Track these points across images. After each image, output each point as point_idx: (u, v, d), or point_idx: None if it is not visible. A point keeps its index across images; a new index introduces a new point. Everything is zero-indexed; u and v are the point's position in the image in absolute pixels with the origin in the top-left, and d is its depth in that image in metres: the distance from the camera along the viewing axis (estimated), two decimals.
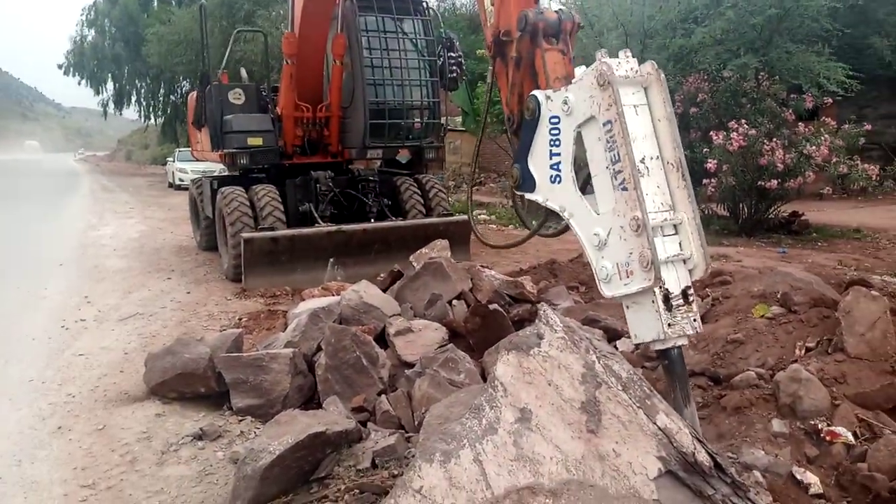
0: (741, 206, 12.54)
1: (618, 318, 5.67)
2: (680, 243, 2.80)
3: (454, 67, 9.73)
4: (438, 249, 7.36)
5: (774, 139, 11.38)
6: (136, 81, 42.76)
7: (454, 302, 6.14)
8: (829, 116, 12.92)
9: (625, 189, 2.71)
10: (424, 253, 7.29)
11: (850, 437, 3.48)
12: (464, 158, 24.82)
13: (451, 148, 24.15)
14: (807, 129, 11.92)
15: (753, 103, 12.69)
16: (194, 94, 11.32)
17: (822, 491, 3.23)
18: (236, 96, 9.68)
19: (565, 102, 3.05)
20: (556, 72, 3.42)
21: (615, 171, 2.76)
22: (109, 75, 43.50)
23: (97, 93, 44.85)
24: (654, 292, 2.67)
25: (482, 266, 7.20)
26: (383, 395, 4.48)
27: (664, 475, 2.29)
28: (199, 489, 3.68)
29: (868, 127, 12.30)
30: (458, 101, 17.09)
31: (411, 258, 7.25)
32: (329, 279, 7.82)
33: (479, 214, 16.00)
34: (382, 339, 5.27)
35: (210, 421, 4.48)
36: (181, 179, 24.91)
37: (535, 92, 3.28)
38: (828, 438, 3.48)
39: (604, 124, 2.81)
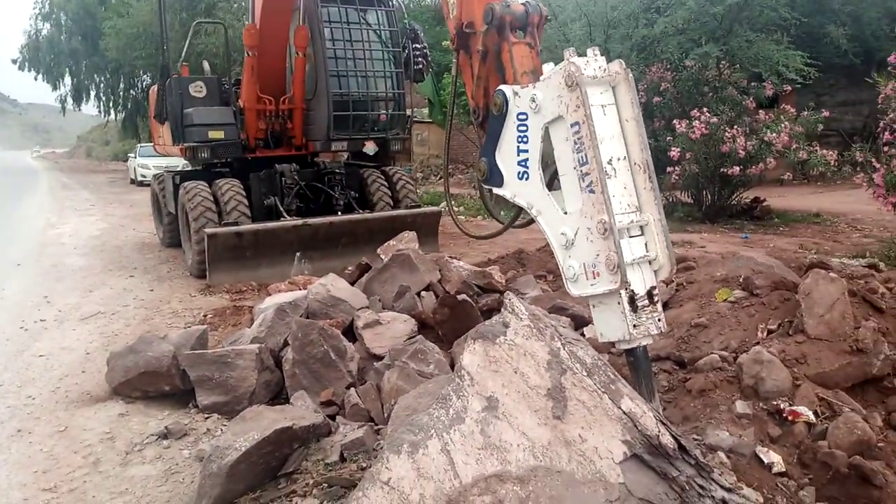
0: (704, 192, 12.75)
1: (584, 305, 5.70)
2: (646, 244, 2.85)
3: (419, 58, 9.68)
4: (406, 241, 7.34)
5: (736, 126, 11.57)
6: (95, 76, 41.67)
7: (423, 293, 6.13)
8: (789, 104, 13.15)
9: (592, 192, 2.74)
10: (392, 245, 7.26)
11: (812, 416, 3.55)
12: (431, 150, 24.78)
13: (419, 139, 24.10)
14: (767, 117, 12.15)
15: (715, 92, 12.88)
16: (155, 87, 11.10)
17: (784, 469, 3.29)
18: (197, 89, 9.50)
19: (533, 100, 3.04)
20: (524, 66, 3.41)
21: (583, 172, 2.78)
22: (67, 70, 42.36)
23: (54, 88, 43.63)
24: (620, 294, 2.73)
25: (450, 257, 7.20)
26: (352, 389, 4.45)
27: (630, 458, 2.31)
28: (164, 488, 3.62)
29: (826, 113, 12.56)
30: (424, 91, 17.01)
31: (379, 250, 7.21)
32: (296, 273, 7.74)
33: None
34: (351, 332, 5.23)
35: (175, 419, 4.41)
36: (143, 176, 24.37)
37: (502, 87, 3.27)
38: (790, 418, 3.54)
39: (571, 125, 2.81)
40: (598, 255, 2.74)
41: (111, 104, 41.83)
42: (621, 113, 2.92)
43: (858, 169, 9.45)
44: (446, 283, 6.44)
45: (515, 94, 3.17)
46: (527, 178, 3.14)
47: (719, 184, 12.30)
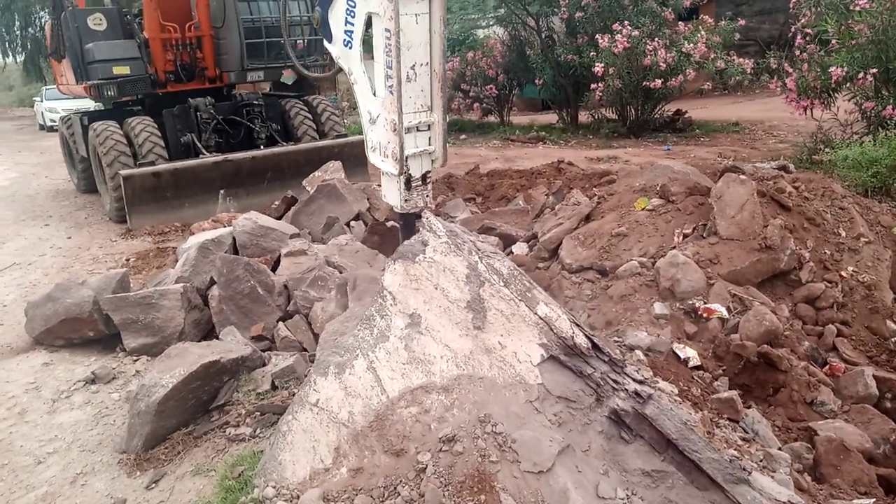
0: (628, 108, 12.88)
1: (512, 224, 5.80)
2: (429, 139, 3.32)
3: None
4: (332, 171, 7.21)
5: (656, 39, 11.62)
6: None
7: (352, 223, 6.09)
8: (708, 14, 13.25)
9: (392, 93, 3.09)
10: (317, 176, 7.12)
11: (724, 312, 3.74)
12: None
13: None
14: (686, 28, 12.23)
15: (635, 4, 12.82)
16: (50, 22, 10.31)
17: (700, 363, 3.48)
18: (97, 22, 8.85)
19: None
20: None
21: (387, 73, 3.08)
22: None
23: None
24: (399, 177, 3.25)
25: (378, 185, 7.12)
26: (280, 322, 4.43)
27: (547, 360, 2.40)
28: (95, 432, 3.57)
29: (742, 22, 12.72)
30: None
31: (304, 182, 7.07)
32: (221, 211, 7.54)
33: None
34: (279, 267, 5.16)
35: (102, 364, 4.32)
36: (52, 120, 22.86)
37: None
38: (704, 315, 3.73)
39: (385, 29, 3.03)
40: (388, 142, 3.19)
41: (8, 45, 38.70)
42: (432, 25, 3.18)
43: (774, 77, 9.69)
44: (375, 212, 6.40)
45: None
46: (350, 47, 3.42)
47: (642, 98, 12.43)
